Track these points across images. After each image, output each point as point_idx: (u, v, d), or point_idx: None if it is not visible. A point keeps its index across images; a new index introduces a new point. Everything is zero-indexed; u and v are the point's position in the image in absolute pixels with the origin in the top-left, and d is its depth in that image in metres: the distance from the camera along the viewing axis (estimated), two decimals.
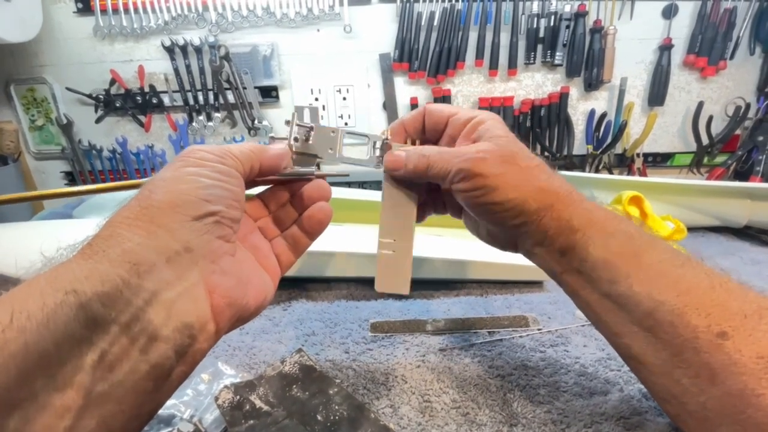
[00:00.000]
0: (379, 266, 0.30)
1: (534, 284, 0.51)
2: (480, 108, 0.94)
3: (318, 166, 0.29)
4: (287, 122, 0.28)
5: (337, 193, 0.42)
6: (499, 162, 0.26)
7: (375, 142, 0.31)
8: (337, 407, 0.30)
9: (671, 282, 0.22)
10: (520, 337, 0.39)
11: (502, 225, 0.28)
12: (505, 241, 0.30)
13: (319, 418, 0.29)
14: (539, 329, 0.40)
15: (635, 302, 0.23)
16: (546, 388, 0.33)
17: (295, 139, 0.28)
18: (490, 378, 0.34)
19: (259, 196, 0.29)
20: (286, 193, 0.29)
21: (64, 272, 0.17)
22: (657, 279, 0.23)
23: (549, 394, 0.32)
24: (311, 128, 0.28)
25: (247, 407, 0.30)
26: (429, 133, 0.32)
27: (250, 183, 0.26)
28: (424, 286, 0.51)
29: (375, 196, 0.64)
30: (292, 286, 0.51)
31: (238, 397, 0.31)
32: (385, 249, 0.30)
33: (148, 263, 0.18)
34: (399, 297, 0.48)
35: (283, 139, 0.28)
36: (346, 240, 0.51)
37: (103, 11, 0.87)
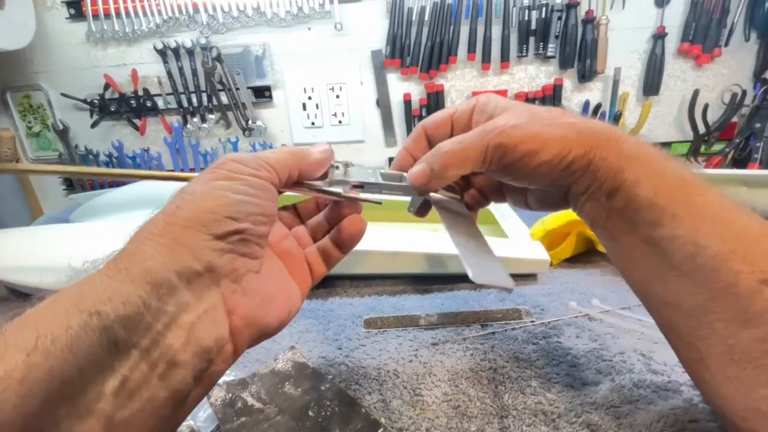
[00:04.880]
0: (466, 261, 0.27)
1: (528, 277, 0.51)
2: None
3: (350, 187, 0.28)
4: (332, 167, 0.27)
5: None
6: (528, 124, 0.25)
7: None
8: (328, 403, 0.31)
9: (719, 227, 0.21)
10: (513, 329, 0.39)
11: (552, 185, 0.26)
12: (557, 200, 0.28)
13: (310, 414, 0.30)
14: (532, 321, 0.40)
15: (677, 246, 0.22)
16: (537, 379, 0.33)
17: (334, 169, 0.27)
18: (481, 371, 0.34)
19: (294, 206, 0.29)
20: (318, 206, 0.28)
21: (88, 291, 0.17)
22: (704, 223, 0.22)
23: (540, 386, 0.32)
24: (348, 163, 0.27)
25: (239, 405, 0.30)
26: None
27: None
28: (419, 281, 0.51)
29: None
30: None
31: (230, 395, 0.31)
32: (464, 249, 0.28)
33: (169, 285, 0.18)
34: (393, 293, 0.48)
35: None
36: None
37: (95, 16, 0.87)
